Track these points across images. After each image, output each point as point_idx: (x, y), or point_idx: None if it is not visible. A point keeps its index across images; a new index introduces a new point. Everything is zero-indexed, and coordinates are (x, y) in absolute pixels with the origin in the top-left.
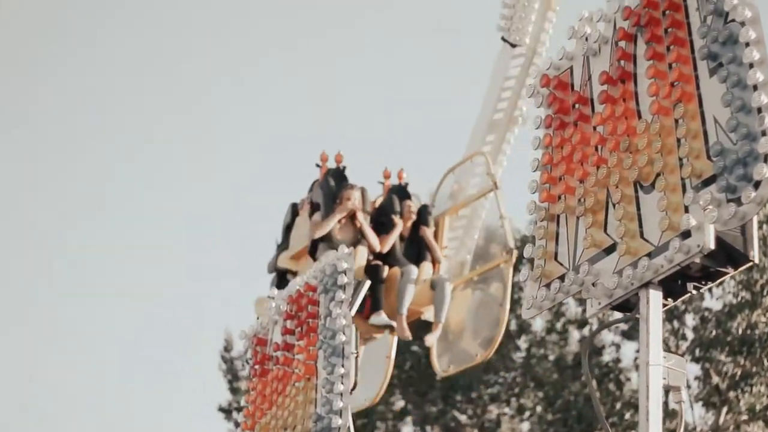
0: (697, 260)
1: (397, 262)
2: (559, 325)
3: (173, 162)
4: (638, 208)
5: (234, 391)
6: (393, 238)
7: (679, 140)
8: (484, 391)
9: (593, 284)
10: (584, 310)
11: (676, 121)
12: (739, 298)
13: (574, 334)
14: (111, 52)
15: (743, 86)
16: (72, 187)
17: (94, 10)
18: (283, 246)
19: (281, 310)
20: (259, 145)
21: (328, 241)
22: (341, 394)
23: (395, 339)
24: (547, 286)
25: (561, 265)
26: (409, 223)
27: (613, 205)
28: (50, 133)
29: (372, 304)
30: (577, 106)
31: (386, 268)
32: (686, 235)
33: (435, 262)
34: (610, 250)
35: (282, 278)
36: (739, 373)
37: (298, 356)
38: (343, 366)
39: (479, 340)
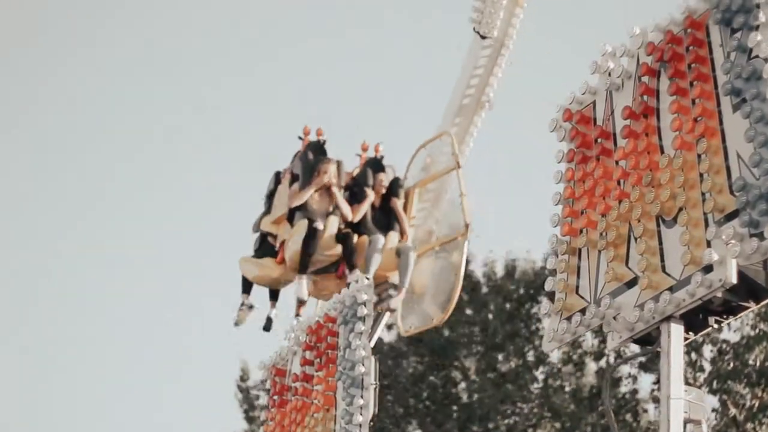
0: (719, 294)
1: (366, 230)
2: (575, 357)
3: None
4: (660, 242)
5: (250, 420)
6: (364, 208)
7: (701, 175)
8: (501, 422)
9: (614, 318)
10: (601, 342)
11: (699, 156)
12: (757, 331)
13: (591, 366)
14: (111, 52)
15: (766, 122)
16: (72, 187)
17: (94, 10)
18: (266, 211)
19: (300, 341)
20: (257, 143)
21: (304, 210)
22: (360, 426)
23: None
24: (568, 319)
25: (582, 298)
26: (381, 195)
27: (635, 239)
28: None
29: (347, 266)
30: (599, 140)
31: (356, 236)
32: (708, 269)
33: (402, 232)
34: (632, 283)
35: (264, 240)
36: (756, 404)
37: (317, 387)
38: (362, 397)
39: (437, 305)
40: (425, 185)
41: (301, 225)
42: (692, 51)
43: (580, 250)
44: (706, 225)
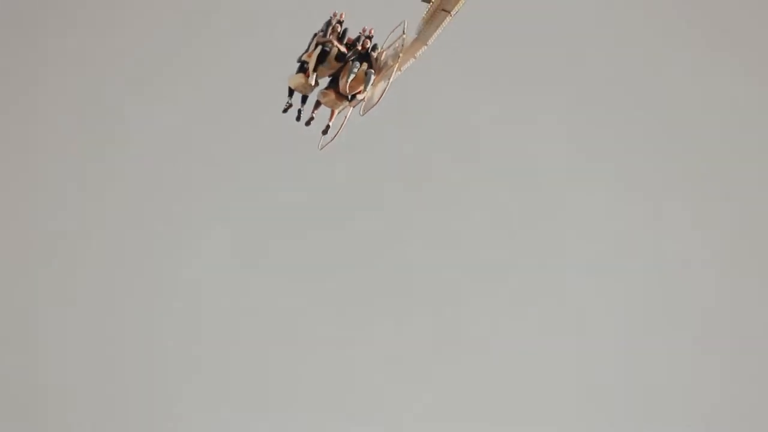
0: None
1: (352, 60)
2: None
3: None
4: None
5: None
6: (353, 52)
7: None
8: None
9: None
10: None
11: None
12: None
13: None
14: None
15: None
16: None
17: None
18: (306, 50)
19: None
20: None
21: (323, 43)
22: None
23: (351, 108)
24: None
25: None
26: (366, 51)
27: None
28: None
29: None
30: None
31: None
32: None
33: (371, 66)
34: None
35: (301, 66)
36: None
37: None
38: None
39: (378, 97)
40: (388, 47)
41: (317, 49)
42: None
43: None
44: None
